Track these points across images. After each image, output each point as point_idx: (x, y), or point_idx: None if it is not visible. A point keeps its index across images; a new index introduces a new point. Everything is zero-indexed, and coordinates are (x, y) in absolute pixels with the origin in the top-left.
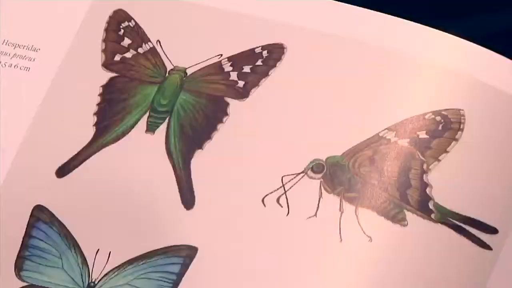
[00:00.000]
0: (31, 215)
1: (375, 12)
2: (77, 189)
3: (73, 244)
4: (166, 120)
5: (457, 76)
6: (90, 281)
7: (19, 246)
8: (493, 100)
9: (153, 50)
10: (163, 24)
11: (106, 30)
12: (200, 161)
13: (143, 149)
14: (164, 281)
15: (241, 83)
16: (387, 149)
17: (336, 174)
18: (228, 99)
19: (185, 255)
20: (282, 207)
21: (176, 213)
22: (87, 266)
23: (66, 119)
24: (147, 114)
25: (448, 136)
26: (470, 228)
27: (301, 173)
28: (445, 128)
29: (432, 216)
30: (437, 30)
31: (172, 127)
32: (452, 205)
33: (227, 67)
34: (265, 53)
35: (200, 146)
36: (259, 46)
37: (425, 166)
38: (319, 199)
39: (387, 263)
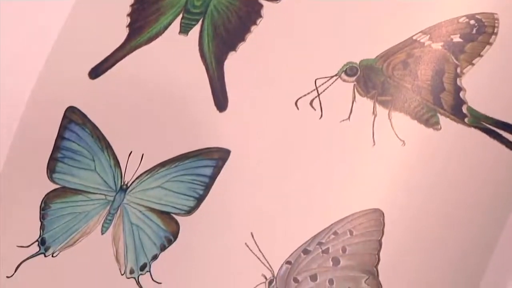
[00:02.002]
0: (63, 117)
1: None
2: (110, 91)
3: (106, 146)
4: (200, 22)
5: None
6: (122, 183)
7: (52, 148)
8: None
9: None
10: None
11: None
12: (233, 63)
13: (176, 51)
14: (197, 184)
15: None
16: (420, 52)
17: (369, 77)
18: (262, 1)
19: (217, 157)
20: (315, 110)
21: (209, 115)
22: (120, 168)
23: (99, 20)
24: (181, 15)
25: (482, 40)
26: (502, 132)
27: (334, 76)
28: (479, 32)
29: (466, 120)
30: None
31: (206, 29)
32: (485, 109)
33: None
34: None
35: (233, 48)
36: None
37: (459, 70)
38: (352, 102)
39: (419, 167)
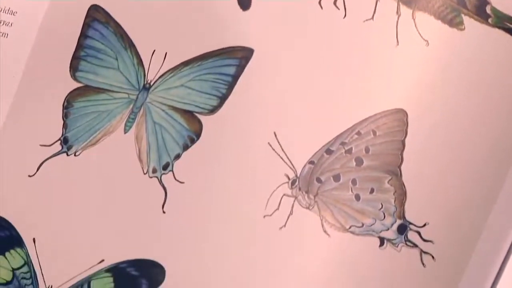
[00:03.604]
0: (86, 15)
1: None
2: None
3: (129, 45)
4: None
5: None
6: (145, 82)
7: (75, 46)
8: None
9: None
10: None
11: None
12: None
13: None
14: (220, 83)
15: None
16: None
17: None
18: None
19: (240, 56)
20: (338, 9)
21: (232, 14)
22: (143, 67)
23: None
24: None
25: None
26: None
27: None
28: None
29: (489, 20)
30: None
31: None
32: (509, 9)
33: None
34: None
35: None
36: None
37: None
38: (376, 2)
39: (443, 67)
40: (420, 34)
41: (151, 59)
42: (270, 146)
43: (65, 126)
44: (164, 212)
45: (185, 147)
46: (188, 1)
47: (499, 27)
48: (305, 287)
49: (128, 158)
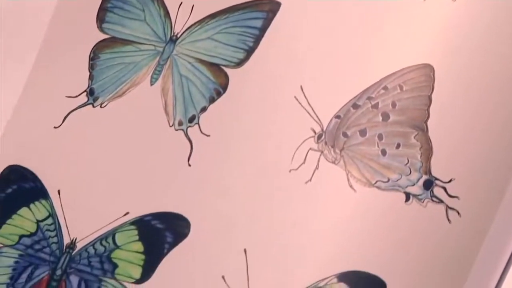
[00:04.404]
0: None
1: None
2: None
3: None
4: None
5: None
6: (172, 34)
7: None
8: None
9: None
10: None
11: None
12: None
13: None
14: (246, 36)
15: None
16: None
17: None
18: None
19: (267, 9)
20: None
21: None
22: (170, 19)
23: None
24: None
25: None
26: None
27: None
28: None
29: None
30: None
31: None
32: None
33: None
34: None
35: None
36: None
37: None
38: None
39: (470, 22)
40: None
41: (178, 11)
42: (297, 100)
43: (91, 77)
44: (189, 165)
45: (211, 100)
46: None
47: None
48: (330, 241)
49: (154, 110)
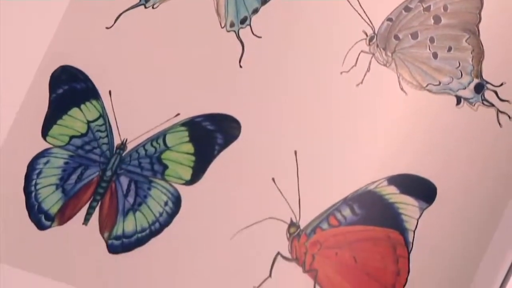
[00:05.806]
0: None
1: None
2: None
3: None
4: None
5: None
6: None
7: None
8: None
9: None
10: None
11: None
12: None
13: None
14: None
15: None
16: None
17: None
18: None
19: None
20: None
21: None
22: None
23: None
24: None
25: None
26: None
27: None
28: None
29: None
30: None
31: None
32: None
33: None
34: None
35: None
36: None
37: None
38: None
39: None
40: None
41: None
42: (349, 2)
43: None
44: (241, 66)
45: (264, 2)
46: None
47: None
48: (380, 144)
49: (205, 11)
